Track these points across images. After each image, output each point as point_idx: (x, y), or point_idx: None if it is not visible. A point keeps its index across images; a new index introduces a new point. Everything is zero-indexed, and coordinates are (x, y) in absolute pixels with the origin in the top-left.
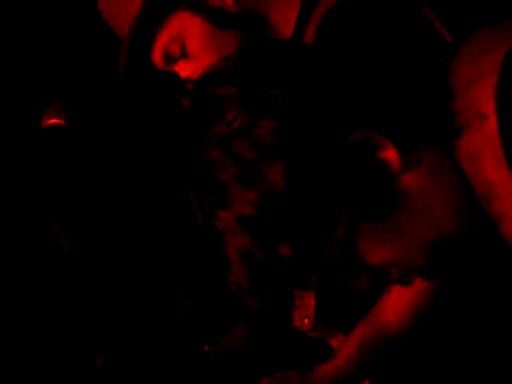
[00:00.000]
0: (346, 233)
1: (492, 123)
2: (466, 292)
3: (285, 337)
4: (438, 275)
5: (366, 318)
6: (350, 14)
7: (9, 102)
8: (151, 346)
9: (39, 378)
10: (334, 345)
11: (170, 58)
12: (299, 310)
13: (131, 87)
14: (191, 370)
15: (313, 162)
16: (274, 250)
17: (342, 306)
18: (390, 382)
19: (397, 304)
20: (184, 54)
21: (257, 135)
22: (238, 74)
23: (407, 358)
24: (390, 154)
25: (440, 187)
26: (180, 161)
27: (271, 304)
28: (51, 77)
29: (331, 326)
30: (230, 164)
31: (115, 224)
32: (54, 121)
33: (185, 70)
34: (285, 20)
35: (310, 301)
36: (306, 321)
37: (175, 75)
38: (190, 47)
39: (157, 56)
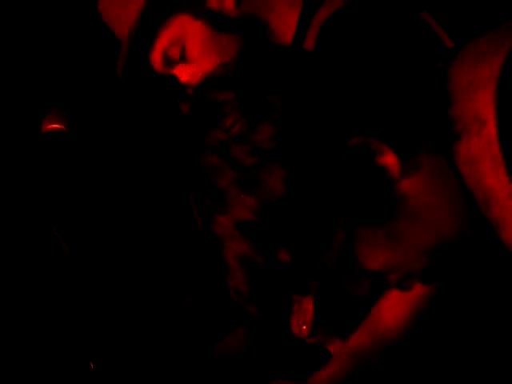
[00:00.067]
0: (344, 238)
1: (491, 128)
2: (465, 296)
3: (283, 342)
4: (437, 280)
5: (364, 322)
6: (351, 20)
7: (9, 107)
8: (150, 348)
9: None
10: (332, 350)
11: (169, 61)
12: (297, 316)
13: (130, 91)
14: (190, 372)
15: (312, 168)
16: (273, 256)
17: (340, 312)
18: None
19: (395, 308)
20: (183, 58)
21: (256, 141)
22: (237, 80)
23: (407, 360)
24: (389, 160)
25: (439, 192)
26: (179, 166)
27: (270, 310)
28: (52, 82)
29: (330, 331)
30: (228, 169)
31: (115, 229)
32: (54, 126)
33: (184, 73)
34: (285, 25)
35: (308, 306)
36: (305, 327)
37: (174, 78)
38: (190, 50)
39: (156, 59)
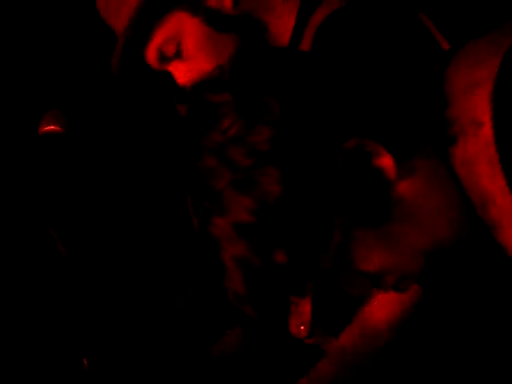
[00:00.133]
0: (341, 240)
1: (487, 130)
2: (462, 297)
3: (281, 343)
4: (434, 282)
5: (354, 321)
6: (347, 21)
7: (6, 108)
8: (147, 348)
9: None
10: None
11: (164, 58)
12: (295, 317)
13: (126, 91)
14: (187, 372)
15: (308, 169)
16: (269, 257)
17: (338, 313)
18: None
19: (386, 307)
20: (179, 54)
21: (252, 142)
22: (233, 82)
23: (398, 359)
24: (386, 162)
25: (435, 194)
26: (177, 167)
27: (267, 311)
28: (49, 83)
29: (327, 332)
30: (225, 171)
31: (112, 230)
32: (51, 127)
33: (179, 70)
34: (283, 26)
35: (306, 307)
36: (303, 327)
37: (169, 75)
38: (186, 47)
39: (151, 54)
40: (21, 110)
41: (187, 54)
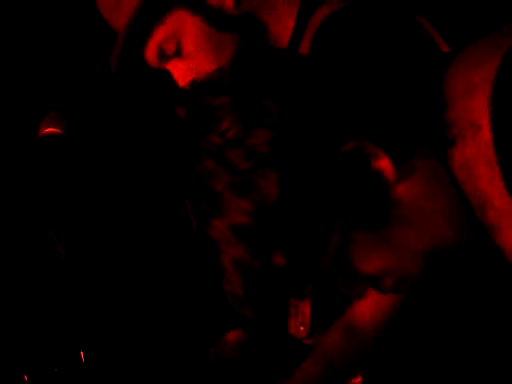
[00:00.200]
0: (340, 242)
1: (486, 133)
2: (461, 299)
3: (280, 344)
4: (432, 284)
5: (338, 321)
6: (346, 23)
7: (6, 110)
8: (145, 351)
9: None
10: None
11: (163, 56)
12: (295, 318)
13: (126, 93)
14: (185, 375)
15: (306, 172)
16: (268, 260)
17: (337, 313)
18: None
19: (372, 308)
20: (178, 53)
21: (251, 145)
22: (232, 85)
23: (383, 361)
24: (384, 164)
25: (434, 197)
26: (175, 170)
27: (265, 313)
28: (48, 86)
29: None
30: (224, 173)
31: (111, 232)
32: (51, 130)
33: (177, 68)
34: (283, 27)
35: (305, 309)
36: (302, 328)
37: (167, 73)
38: (185, 46)
39: (150, 52)
40: (21, 112)
41: (187, 52)
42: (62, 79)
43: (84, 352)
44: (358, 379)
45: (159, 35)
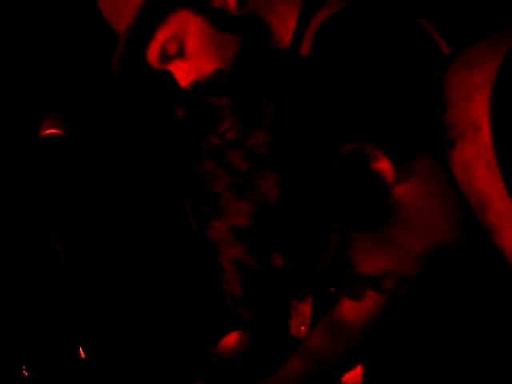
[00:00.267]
0: (339, 243)
1: (486, 134)
2: (460, 300)
3: (281, 345)
4: (432, 285)
5: (326, 319)
6: (346, 25)
7: (7, 112)
8: (146, 351)
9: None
10: None
11: (165, 57)
12: (295, 319)
13: (127, 94)
14: (184, 375)
15: (306, 173)
16: (267, 261)
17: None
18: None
19: (359, 306)
20: (181, 53)
21: (250, 146)
22: (232, 86)
23: (371, 360)
24: (384, 165)
25: (434, 198)
26: (175, 171)
27: (264, 314)
28: (49, 87)
29: None
30: (223, 174)
31: (112, 233)
32: (51, 131)
33: (180, 69)
34: (285, 28)
35: (305, 309)
36: (303, 328)
37: (169, 74)
38: (188, 46)
39: (153, 53)
40: (21, 113)
41: (189, 53)
42: (63, 81)
43: (83, 349)
44: (359, 379)
45: (162, 36)
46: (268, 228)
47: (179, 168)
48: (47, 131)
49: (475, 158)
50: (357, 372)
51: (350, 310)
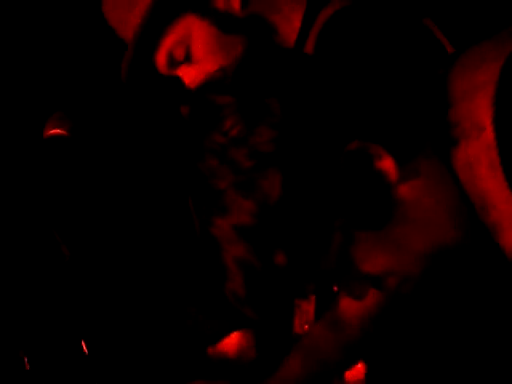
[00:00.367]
0: (341, 242)
1: (489, 133)
2: (463, 299)
3: (285, 343)
4: (435, 284)
5: (325, 318)
6: (351, 23)
7: (11, 111)
8: (147, 350)
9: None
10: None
11: (173, 62)
12: (299, 317)
13: (133, 96)
14: (185, 374)
15: (310, 172)
16: (270, 259)
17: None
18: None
19: (358, 304)
20: (188, 58)
21: (254, 144)
22: (236, 84)
23: (371, 358)
24: (387, 164)
25: (437, 197)
26: (178, 169)
27: (267, 312)
28: (54, 87)
29: None
30: (227, 172)
31: (116, 233)
32: (56, 131)
33: (188, 74)
34: (289, 27)
35: (309, 308)
36: (306, 327)
37: (178, 80)
38: (195, 51)
39: (161, 59)
40: (26, 113)
41: (196, 57)
42: (68, 80)
43: (86, 346)
44: (362, 377)
45: (169, 42)
46: (271, 226)
47: (182, 166)
48: (52, 131)
49: (478, 157)
50: (359, 370)
51: (350, 308)
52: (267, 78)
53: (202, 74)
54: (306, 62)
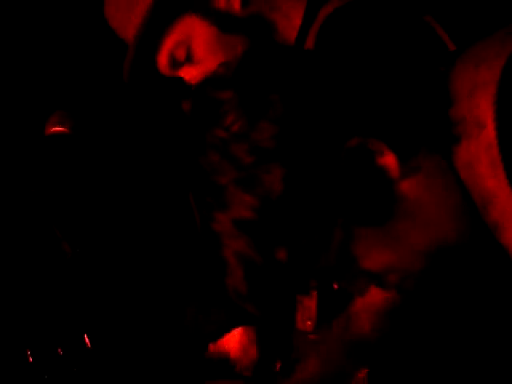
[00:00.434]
0: (342, 238)
1: (490, 132)
2: (464, 297)
3: (287, 339)
4: (436, 282)
5: (336, 322)
6: (352, 19)
7: (12, 109)
8: (148, 349)
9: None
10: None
11: (175, 63)
12: (301, 313)
13: (134, 94)
14: (186, 372)
15: (311, 167)
16: (271, 254)
17: (343, 308)
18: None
19: (370, 308)
20: (189, 59)
21: (255, 139)
22: (237, 79)
23: (383, 363)
24: (389, 160)
25: (438, 194)
26: (180, 164)
27: (268, 308)
28: (55, 84)
29: (330, 328)
30: (228, 167)
31: (118, 231)
32: (57, 129)
33: (190, 74)
34: (289, 25)
35: (310, 304)
36: (309, 322)
37: (180, 81)
38: (196, 51)
39: (162, 60)
40: (27, 111)
41: (198, 57)
42: (69, 78)
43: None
44: (363, 374)
45: (170, 42)
46: (272, 222)
47: (184, 161)
48: (53, 129)
49: (479, 155)
50: (362, 374)
51: (363, 314)
52: (269, 74)
53: (204, 74)
54: (308, 58)
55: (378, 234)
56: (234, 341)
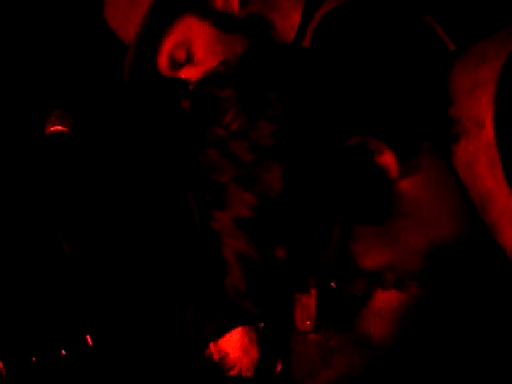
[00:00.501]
0: (341, 236)
1: (489, 131)
2: (462, 297)
3: (287, 338)
4: (434, 281)
5: (348, 331)
6: (352, 18)
7: (12, 108)
8: (148, 349)
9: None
10: (333, 346)
11: (175, 64)
12: (301, 312)
13: (135, 94)
14: (186, 372)
15: (310, 166)
16: (270, 253)
17: (343, 307)
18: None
19: (380, 313)
20: (189, 59)
21: (255, 137)
22: (237, 77)
23: (394, 368)
24: (388, 159)
25: (437, 193)
26: (179, 162)
27: (267, 306)
28: (55, 84)
29: (333, 326)
30: (228, 165)
31: (117, 230)
32: (57, 128)
33: (190, 75)
34: (289, 25)
35: (310, 302)
36: (308, 322)
37: (180, 81)
38: (196, 51)
39: (162, 61)
40: (27, 110)
41: (198, 57)
42: (69, 77)
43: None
44: None
45: (169, 43)
46: (271, 220)
47: (183, 159)
48: (53, 128)
49: (478, 155)
50: None
51: (373, 319)
52: (268, 72)
53: (204, 74)
54: (308, 56)
55: (376, 232)
56: (234, 341)
